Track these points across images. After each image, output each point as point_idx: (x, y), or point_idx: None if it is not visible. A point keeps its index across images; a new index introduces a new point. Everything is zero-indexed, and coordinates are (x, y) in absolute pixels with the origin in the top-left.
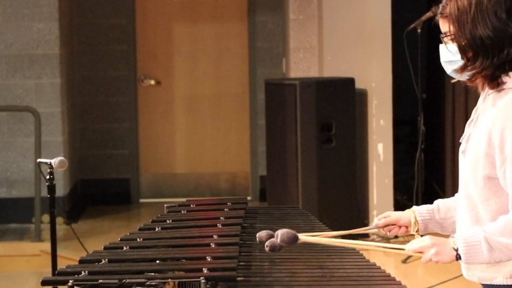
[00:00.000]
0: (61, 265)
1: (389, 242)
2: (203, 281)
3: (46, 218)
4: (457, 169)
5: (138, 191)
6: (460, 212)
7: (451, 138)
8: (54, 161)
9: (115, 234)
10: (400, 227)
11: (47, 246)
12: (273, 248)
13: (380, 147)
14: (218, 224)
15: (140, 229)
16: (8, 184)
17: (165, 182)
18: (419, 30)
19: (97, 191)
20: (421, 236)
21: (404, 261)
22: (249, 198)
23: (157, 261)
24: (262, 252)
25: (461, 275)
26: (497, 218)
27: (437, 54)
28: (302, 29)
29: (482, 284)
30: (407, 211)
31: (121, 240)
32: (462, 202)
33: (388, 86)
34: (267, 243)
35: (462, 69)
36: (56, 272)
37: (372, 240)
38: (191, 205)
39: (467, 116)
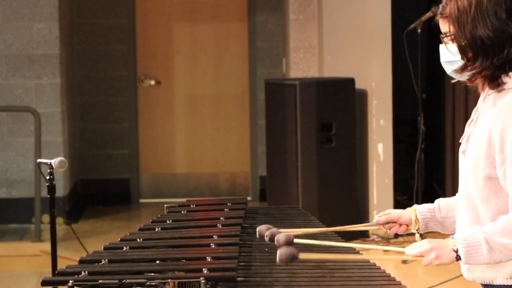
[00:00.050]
0: (61, 265)
1: (389, 243)
2: (203, 281)
3: (46, 218)
4: (457, 169)
5: (138, 191)
6: (460, 212)
7: (451, 138)
8: (54, 161)
9: (115, 234)
10: (400, 225)
11: (47, 246)
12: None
13: (380, 147)
14: (218, 225)
15: (140, 230)
16: (8, 184)
17: (165, 182)
18: (419, 30)
19: (97, 191)
20: (421, 235)
21: (404, 262)
22: (249, 198)
23: (157, 262)
24: (262, 252)
25: (461, 275)
26: (497, 218)
27: (437, 54)
28: (302, 29)
29: (482, 285)
30: (408, 209)
31: (121, 240)
32: (462, 202)
33: (388, 86)
34: (266, 233)
35: (462, 69)
36: (56, 272)
37: (372, 241)
38: (191, 205)
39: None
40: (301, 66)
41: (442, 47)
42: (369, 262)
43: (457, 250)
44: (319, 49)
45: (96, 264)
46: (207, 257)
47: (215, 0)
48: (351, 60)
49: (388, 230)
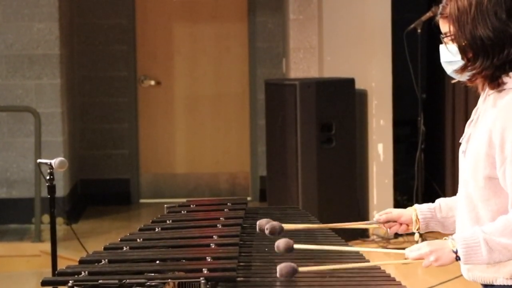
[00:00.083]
0: (61, 265)
1: (389, 243)
2: (203, 281)
3: (46, 218)
4: (457, 169)
5: (138, 191)
6: (460, 212)
7: (451, 138)
8: (54, 162)
9: (115, 235)
10: (401, 224)
11: (47, 246)
12: (274, 231)
13: (380, 147)
14: (218, 225)
15: (140, 230)
16: (8, 185)
17: (165, 183)
18: (419, 30)
19: (97, 191)
20: (421, 235)
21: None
22: (249, 198)
23: (157, 262)
24: (262, 252)
25: (461, 275)
26: (497, 218)
27: (437, 54)
28: (302, 29)
29: (482, 285)
30: (408, 208)
31: (121, 240)
32: (462, 202)
33: (388, 86)
34: (267, 226)
35: (462, 69)
36: (56, 272)
37: (372, 241)
38: (191, 206)
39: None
40: (301, 66)
41: (442, 47)
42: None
43: (457, 250)
44: (319, 49)
45: (96, 264)
46: (207, 257)
47: (215, 0)
48: (351, 60)
49: (388, 229)
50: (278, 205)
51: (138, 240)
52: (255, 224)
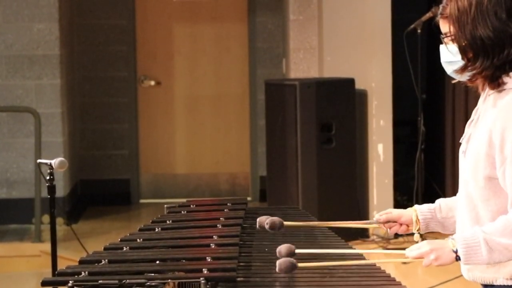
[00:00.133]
0: (61, 265)
1: (389, 243)
2: (203, 281)
3: (46, 218)
4: (457, 170)
5: (138, 191)
6: (460, 212)
7: (451, 138)
8: (54, 162)
9: (115, 235)
10: (401, 224)
11: (47, 246)
12: (274, 226)
13: (380, 147)
14: (218, 225)
15: (140, 230)
16: (8, 185)
17: (165, 183)
18: (419, 31)
19: (97, 191)
20: (421, 235)
21: (404, 262)
22: (249, 198)
23: (157, 262)
24: (262, 252)
25: (461, 275)
26: (497, 218)
27: (437, 54)
28: (302, 30)
29: (482, 285)
30: (409, 209)
31: (121, 240)
32: (462, 202)
33: (388, 86)
34: (267, 221)
35: (463, 69)
36: (56, 272)
37: (372, 241)
38: (191, 206)
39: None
40: (301, 66)
41: (442, 47)
42: (369, 262)
43: (457, 250)
44: (319, 49)
45: (96, 264)
46: (207, 258)
47: (215, 1)
48: (351, 60)
49: (388, 230)
50: (278, 205)
51: (138, 240)
52: (255, 224)
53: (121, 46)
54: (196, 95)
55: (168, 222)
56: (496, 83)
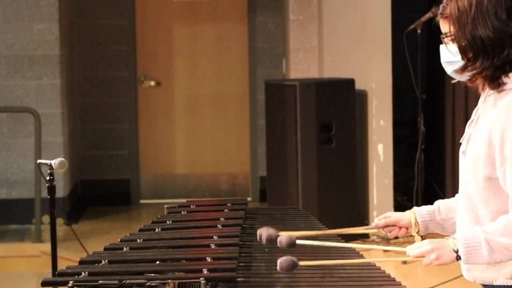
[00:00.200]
0: (61, 266)
1: (389, 243)
2: (203, 281)
3: (46, 219)
4: (457, 170)
5: (138, 191)
6: (460, 212)
7: (451, 138)
8: (54, 162)
9: (115, 235)
10: (400, 228)
11: (47, 247)
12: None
13: (380, 147)
14: (218, 225)
15: (140, 230)
16: (8, 185)
17: (165, 183)
18: (419, 31)
19: (97, 191)
20: (421, 236)
21: (404, 262)
22: (249, 198)
23: (157, 262)
24: (262, 252)
25: (462, 275)
26: (497, 219)
27: (437, 54)
28: (302, 30)
29: (482, 285)
30: (407, 212)
31: (121, 241)
32: (462, 202)
33: (388, 86)
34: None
35: (463, 69)
36: (56, 273)
37: (373, 241)
38: (191, 206)
39: (467, 117)
40: (301, 66)
41: (442, 47)
42: (369, 262)
43: (458, 250)
44: (319, 49)
45: (96, 264)
46: (207, 258)
47: (215, 1)
48: (351, 60)
49: (388, 233)
50: (278, 205)
51: (138, 240)
52: (255, 225)
53: (121, 46)
54: (196, 95)
55: (168, 222)
56: (496, 83)
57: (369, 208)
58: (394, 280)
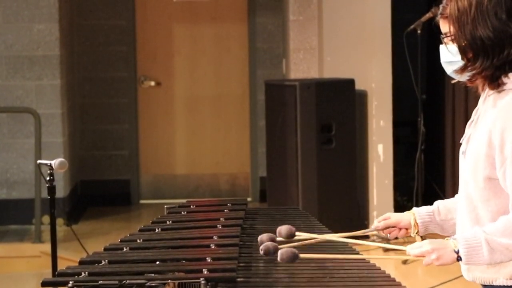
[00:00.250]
0: (61, 266)
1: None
2: (203, 282)
3: (46, 219)
4: (457, 170)
5: (138, 192)
6: (460, 212)
7: (451, 139)
8: (54, 162)
9: (115, 235)
10: (400, 229)
11: (47, 247)
12: (268, 252)
13: (380, 148)
14: (218, 225)
15: (140, 230)
16: (8, 185)
17: (165, 183)
18: (419, 31)
19: (97, 192)
20: (421, 237)
21: (404, 262)
22: (249, 199)
23: (157, 262)
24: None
25: (462, 275)
26: (497, 219)
27: (437, 54)
28: (302, 30)
29: (483, 285)
30: (406, 213)
31: (121, 241)
32: (462, 202)
33: (388, 87)
34: (261, 247)
35: (462, 69)
36: (56, 273)
37: (373, 241)
38: (191, 206)
39: (467, 117)
40: (301, 67)
41: (442, 47)
42: (369, 262)
43: (458, 250)
44: (319, 50)
45: (96, 265)
46: (207, 258)
47: (215, 1)
48: (351, 61)
49: (388, 234)
50: (278, 205)
51: (138, 240)
52: (255, 225)
53: (121, 46)
54: (196, 96)
55: (168, 222)
56: (496, 84)
57: (369, 208)
58: (394, 280)
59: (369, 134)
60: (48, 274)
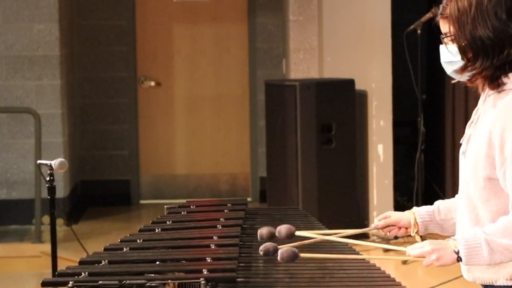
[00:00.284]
0: (61, 266)
1: (389, 243)
2: (203, 282)
3: (46, 219)
4: (457, 170)
5: (138, 192)
6: (460, 213)
7: (451, 139)
8: (54, 163)
9: (115, 235)
10: (400, 228)
11: (47, 247)
12: (267, 253)
13: (380, 148)
14: (218, 225)
15: (140, 230)
16: (8, 186)
17: (165, 183)
18: (419, 31)
19: (97, 192)
20: (421, 237)
21: (404, 262)
22: (249, 199)
23: (157, 262)
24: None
25: (462, 276)
26: (497, 219)
27: (437, 55)
28: (302, 30)
29: (483, 285)
30: (407, 212)
31: (121, 241)
32: (462, 203)
33: (388, 87)
34: (261, 247)
35: (462, 69)
36: (56, 273)
37: (373, 241)
38: (191, 206)
39: (467, 117)
40: (301, 67)
41: (442, 47)
42: (369, 262)
43: (458, 251)
44: (319, 50)
45: (96, 265)
46: (207, 258)
47: (215, 1)
48: (351, 61)
49: (388, 233)
50: (278, 206)
51: (138, 241)
52: (255, 225)
53: (121, 46)
54: (196, 96)
55: (168, 222)
56: (495, 84)
57: (369, 208)
58: (394, 280)
59: (369, 134)
60: (48, 274)
